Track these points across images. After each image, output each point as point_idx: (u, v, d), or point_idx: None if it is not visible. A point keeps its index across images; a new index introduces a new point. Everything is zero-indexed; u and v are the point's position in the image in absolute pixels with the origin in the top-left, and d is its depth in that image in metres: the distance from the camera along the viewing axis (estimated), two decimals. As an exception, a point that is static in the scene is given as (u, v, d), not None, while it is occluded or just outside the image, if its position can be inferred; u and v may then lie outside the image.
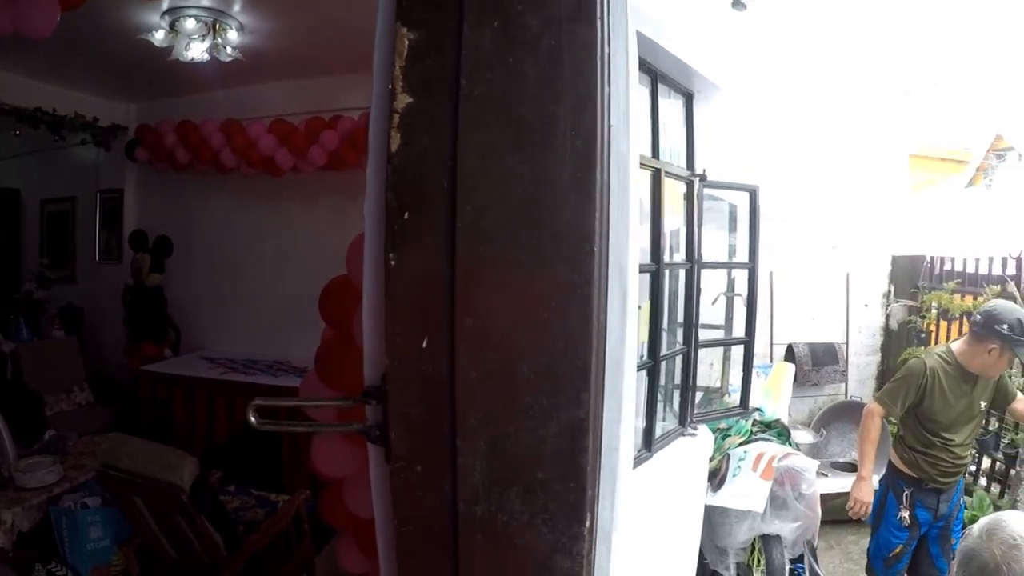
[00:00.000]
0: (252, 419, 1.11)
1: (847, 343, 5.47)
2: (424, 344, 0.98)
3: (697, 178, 2.80)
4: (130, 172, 6.81)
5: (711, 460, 3.47)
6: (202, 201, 6.49)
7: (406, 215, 0.97)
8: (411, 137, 0.98)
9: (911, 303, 5.44)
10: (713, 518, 3.42)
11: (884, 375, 5.69)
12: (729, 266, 3.30)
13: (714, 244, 3.67)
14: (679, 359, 2.86)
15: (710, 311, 3.41)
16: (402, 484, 1.02)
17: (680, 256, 2.81)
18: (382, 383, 1.05)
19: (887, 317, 5.70)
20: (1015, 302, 3.82)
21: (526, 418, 0.95)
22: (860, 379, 5.66)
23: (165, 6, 4.17)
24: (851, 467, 4.99)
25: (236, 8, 4.26)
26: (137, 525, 3.32)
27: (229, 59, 4.49)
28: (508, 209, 0.95)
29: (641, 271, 2.21)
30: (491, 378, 0.96)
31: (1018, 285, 4.55)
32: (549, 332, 0.94)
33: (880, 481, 3.42)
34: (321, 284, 5.68)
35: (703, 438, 2.94)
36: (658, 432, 2.66)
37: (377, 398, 1.08)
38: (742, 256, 3.17)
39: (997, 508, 4.19)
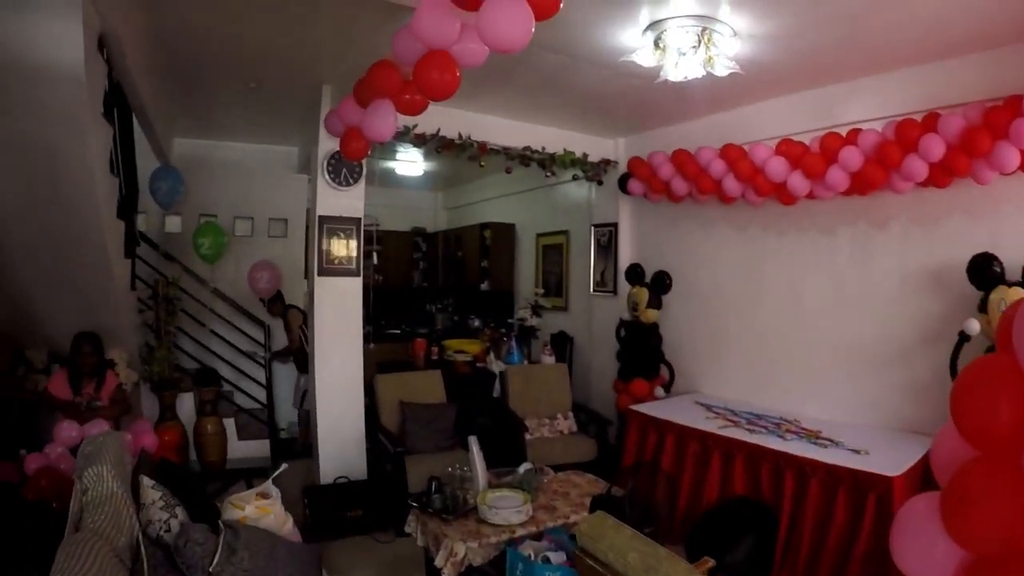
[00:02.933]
0: None
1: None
2: None
3: None
4: (623, 205, 6.79)
5: None
6: (700, 233, 6.08)
7: None
8: None
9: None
10: None
11: None
12: None
13: None
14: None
15: None
16: None
17: None
18: None
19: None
20: None
21: None
22: None
23: (645, 22, 3.78)
24: None
25: (725, 11, 3.64)
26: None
27: (726, 73, 3.89)
28: None
29: None
30: None
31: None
32: None
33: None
34: (840, 329, 5.01)
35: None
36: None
37: None
38: None
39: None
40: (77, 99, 3.51)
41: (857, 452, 4.00)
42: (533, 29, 2.63)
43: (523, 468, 4.27)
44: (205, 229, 6.94)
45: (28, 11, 3.13)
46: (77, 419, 4.29)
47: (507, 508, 3.63)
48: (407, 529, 3.93)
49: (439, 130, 5.53)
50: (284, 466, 3.55)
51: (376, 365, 6.53)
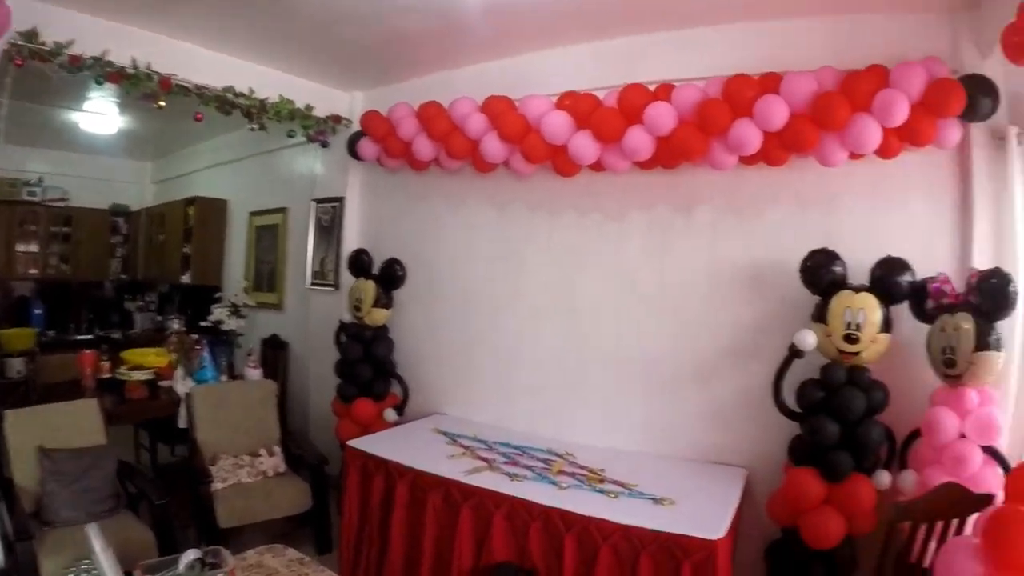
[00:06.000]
0: None
1: None
2: None
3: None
4: (354, 175, 5.38)
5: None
6: (447, 213, 4.85)
7: None
8: None
9: None
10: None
11: None
12: None
13: None
14: None
15: None
16: None
17: None
18: None
19: None
20: None
21: None
22: None
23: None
24: None
25: None
26: None
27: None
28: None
29: None
30: None
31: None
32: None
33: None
34: (627, 338, 4.20)
35: None
36: None
37: None
38: None
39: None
40: None
41: (659, 502, 3.00)
42: None
43: (185, 559, 2.71)
44: None
45: None
46: None
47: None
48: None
49: (106, 52, 3.82)
50: None
51: (41, 390, 4.81)
